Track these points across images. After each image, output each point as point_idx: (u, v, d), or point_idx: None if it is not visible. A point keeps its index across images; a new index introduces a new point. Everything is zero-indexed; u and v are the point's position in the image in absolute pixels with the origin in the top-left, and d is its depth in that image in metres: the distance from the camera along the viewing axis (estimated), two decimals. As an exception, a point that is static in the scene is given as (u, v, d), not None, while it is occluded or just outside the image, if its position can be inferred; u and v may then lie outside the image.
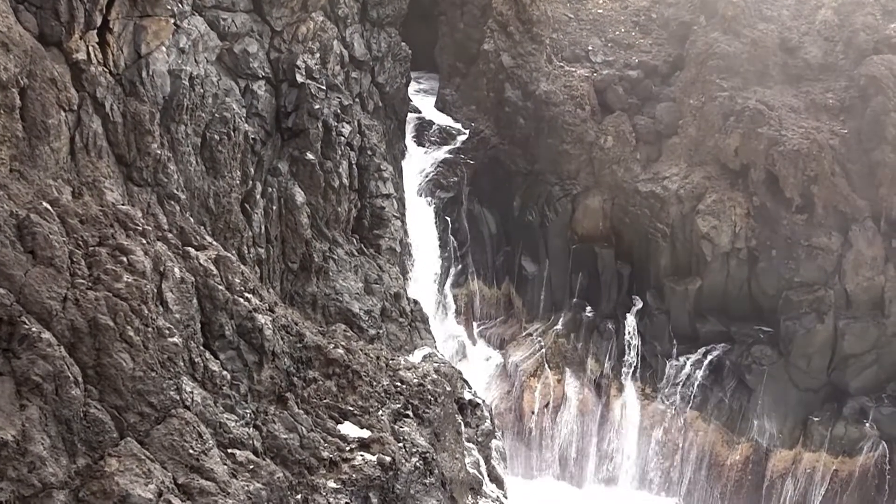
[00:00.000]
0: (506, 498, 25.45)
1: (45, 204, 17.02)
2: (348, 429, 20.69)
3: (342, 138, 28.12)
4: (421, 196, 35.94)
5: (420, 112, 40.21)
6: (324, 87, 27.89)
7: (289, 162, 26.95)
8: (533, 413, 37.07)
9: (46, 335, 15.54)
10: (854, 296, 34.40)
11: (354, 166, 28.85)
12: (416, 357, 26.88)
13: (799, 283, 34.50)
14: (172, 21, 21.67)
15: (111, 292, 16.82)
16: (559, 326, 37.46)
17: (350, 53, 30.78)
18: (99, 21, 19.62)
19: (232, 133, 24.06)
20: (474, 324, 38.60)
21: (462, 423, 25.02)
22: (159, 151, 21.26)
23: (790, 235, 34.41)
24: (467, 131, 39.09)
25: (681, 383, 35.72)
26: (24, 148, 17.68)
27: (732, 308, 35.79)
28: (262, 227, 25.45)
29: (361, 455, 20.01)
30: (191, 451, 16.70)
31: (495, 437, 26.68)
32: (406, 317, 28.36)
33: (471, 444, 25.18)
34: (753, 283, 35.33)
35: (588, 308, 37.57)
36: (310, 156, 27.10)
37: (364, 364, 22.29)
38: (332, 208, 27.73)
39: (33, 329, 15.42)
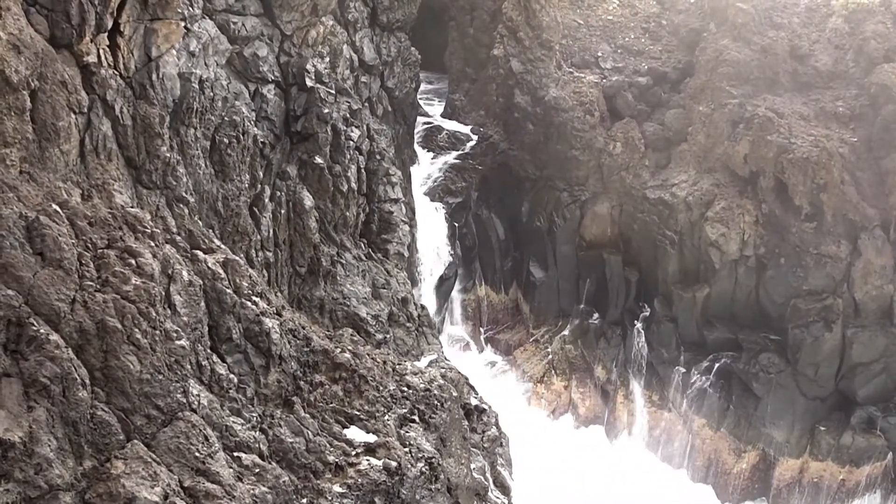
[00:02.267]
0: (511, 504, 25.40)
1: (54, 206, 17.07)
2: (354, 433, 20.69)
3: (351, 142, 28.14)
4: (429, 201, 35.93)
5: (429, 117, 40.23)
6: (333, 92, 27.91)
7: (297, 166, 26.98)
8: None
9: (54, 337, 15.58)
10: (862, 304, 34.29)
11: (363, 170, 28.87)
12: (422, 362, 26.86)
13: (807, 291, 34.40)
14: (183, 24, 21.73)
15: (119, 295, 16.85)
16: (566, 333, 37.41)
17: (360, 58, 30.81)
18: (110, 24, 19.68)
19: (241, 136, 24.09)
20: (481, 329, 38.58)
21: (468, 429, 24.99)
22: (168, 154, 21.31)
23: (799, 243, 34.32)
24: (476, 137, 39.10)
25: (688, 391, 35.63)
26: (33, 150, 17.74)
27: (740, 316, 35.71)
28: (271, 231, 25.47)
29: (367, 460, 20.01)
30: (197, 454, 16.71)
31: (501, 444, 26.63)
32: (413, 322, 28.34)
33: (476, 450, 25.15)
34: (761, 290, 35.23)
35: (595, 314, 37.52)
36: (318, 160, 27.12)
37: (371, 369, 22.29)
38: (341, 212, 27.75)
39: (41, 331, 15.45)
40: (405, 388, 22.89)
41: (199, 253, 19.93)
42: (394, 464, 19.99)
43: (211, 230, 22.41)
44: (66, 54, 19.00)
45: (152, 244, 18.32)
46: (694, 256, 35.94)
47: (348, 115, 28.42)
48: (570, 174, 37.41)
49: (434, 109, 41.55)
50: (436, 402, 23.10)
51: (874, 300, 34.24)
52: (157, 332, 17.08)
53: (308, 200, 26.62)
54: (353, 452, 20.11)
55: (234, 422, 18.19)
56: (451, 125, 39.88)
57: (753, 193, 35.18)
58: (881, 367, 34.19)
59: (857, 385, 34.37)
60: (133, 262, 17.49)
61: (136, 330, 16.69)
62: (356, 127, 28.58)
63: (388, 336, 26.96)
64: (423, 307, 29.94)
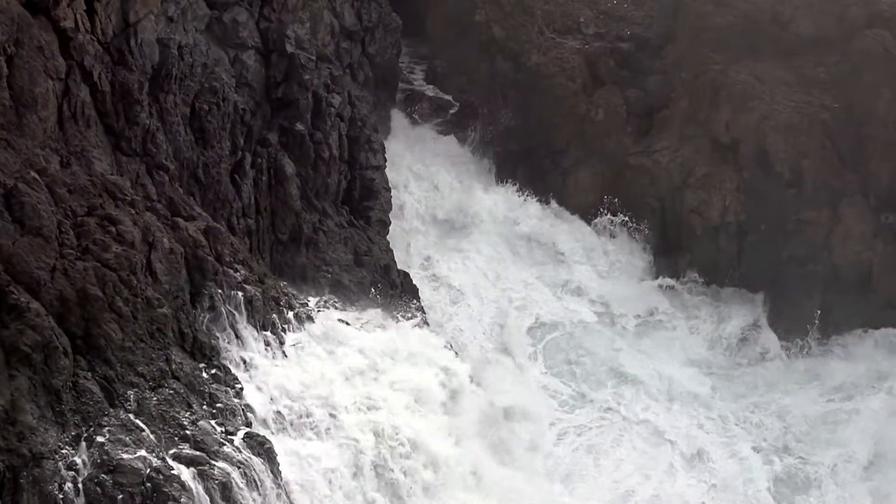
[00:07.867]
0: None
1: (32, 173, 16.98)
2: (338, 400, 20.79)
3: (332, 109, 27.98)
4: (408, 168, 35.77)
5: (411, 83, 40.00)
6: (314, 58, 27.71)
7: (278, 133, 26.82)
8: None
9: (35, 305, 15.53)
10: (842, 270, 34.46)
11: (344, 137, 28.72)
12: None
13: (788, 257, 34.55)
14: (161, -11, 21.52)
15: (100, 262, 16.81)
16: (550, 300, 37.40)
17: (340, 23, 30.58)
18: (87, -12, 19.48)
19: (221, 103, 23.95)
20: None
21: (451, 395, 25.10)
22: (148, 121, 21.18)
23: (780, 210, 34.42)
24: (458, 103, 38.92)
25: (669, 357, 35.79)
26: (11, 117, 17.60)
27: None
28: (252, 198, 25.35)
29: (351, 426, 20.15)
30: (181, 421, 16.78)
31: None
32: (395, 289, 28.36)
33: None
34: (743, 257, 35.37)
35: (579, 282, 37.47)
36: (299, 126, 26.97)
37: (354, 336, 22.36)
38: (322, 179, 27.64)
39: (21, 299, 15.41)
40: (388, 355, 23.00)
41: (180, 220, 19.89)
42: (378, 430, 20.17)
43: (192, 197, 22.32)
44: (43, 19, 18.80)
45: (132, 212, 18.27)
46: (675, 223, 36.00)
47: (329, 82, 28.25)
48: (552, 141, 37.30)
49: (416, 76, 41.30)
50: (419, 368, 23.26)
51: (854, 265, 34.41)
52: (139, 299, 17.08)
53: (289, 167, 26.48)
54: (337, 419, 20.23)
55: (216, 389, 18.23)
56: (433, 92, 39.66)
57: (735, 160, 35.18)
58: (861, 332, 34.44)
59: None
60: (113, 229, 17.45)
61: (118, 298, 16.68)
62: (337, 94, 28.41)
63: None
64: (405, 274, 29.91)
